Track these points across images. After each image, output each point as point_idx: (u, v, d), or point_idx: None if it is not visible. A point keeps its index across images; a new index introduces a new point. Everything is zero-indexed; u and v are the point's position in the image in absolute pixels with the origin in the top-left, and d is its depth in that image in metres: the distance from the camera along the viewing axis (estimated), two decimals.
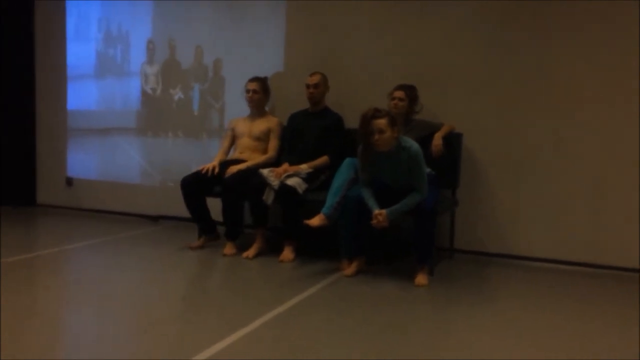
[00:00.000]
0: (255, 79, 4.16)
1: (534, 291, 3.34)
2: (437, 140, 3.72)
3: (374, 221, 3.20)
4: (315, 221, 3.41)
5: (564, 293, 3.29)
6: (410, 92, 3.83)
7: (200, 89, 4.95)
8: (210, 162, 4.05)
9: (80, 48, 5.32)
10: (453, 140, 3.82)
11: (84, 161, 5.35)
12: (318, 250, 3.91)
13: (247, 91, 4.14)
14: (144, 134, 5.18)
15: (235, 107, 4.60)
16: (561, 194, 3.79)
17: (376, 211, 3.21)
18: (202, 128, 4.96)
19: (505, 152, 3.92)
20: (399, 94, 3.79)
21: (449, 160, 3.77)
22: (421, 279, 3.28)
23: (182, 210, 4.10)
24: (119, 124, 5.24)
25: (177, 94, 5.04)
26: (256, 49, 4.60)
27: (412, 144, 3.23)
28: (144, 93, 5.14)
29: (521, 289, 3.39)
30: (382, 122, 3.12)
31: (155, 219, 4.95)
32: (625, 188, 3.64)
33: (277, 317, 2.68)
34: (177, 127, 5.05)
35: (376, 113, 3.13)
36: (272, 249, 3.86)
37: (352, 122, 3.98)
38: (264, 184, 3.73)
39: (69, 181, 5.31)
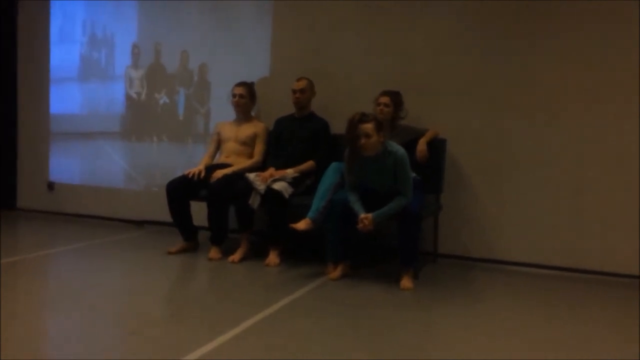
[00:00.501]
0: (241, 84, 4.17)
1: (516, 294, 3.39)
2: (422, 145, 3.77)
3: (360, 225, 3.23)
4: (301, 225, 3.43)
5: (545, 296, 3.35)
6: (395, 98, 3.88)
7: (185, 94, 4.95)
8: (195, 166, 4.04)
9: (64, 50, 5.29)
10: (437, 146, 3.87)
11: (67, 165, 5.30)
12: (303, 254, 3.92)
13: (234, 95, 4.15)
14: (128, 139, 5.14)
15: (221, 111, 4.61)
16: (544, 199, 3.86)
17: (362, 215, 3.24)
18: (187, 133, 4.95)
19: (489, 158, 3.98)
20: (384, 99, 3.84)
21: (433, 166, 3.82)
22: (406, 282, 3.31)
23: (167, 215, 4.08)
24: (103, 128, 5.20)
25: (162, 98, 5.03)
26: (242, 54, 4.63)
27: (398, 149, 3.27)
28: (128, 97, 5.12)
29: (504, 292, 3.44)
30: (368, 127, 3.15)
31: (139, 223, 4.91)
32: (607, 193, 3.72)
33: (264, 320, 2.69)
34: (162, 132, 5.04)
35: (363, 117, 3.17)
36: (257, 254, 3.86)
37: (337, 127, 4.03)
38: (250, 188, 3.74)
39: (51, 185, 5.26)
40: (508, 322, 2.84)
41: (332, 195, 3.48)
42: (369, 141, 3.17)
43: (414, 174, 3.41)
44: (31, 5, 5.23)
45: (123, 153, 5.17)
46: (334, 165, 3.61)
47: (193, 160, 4.42)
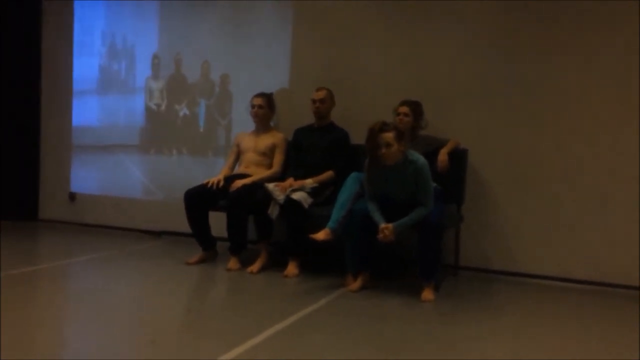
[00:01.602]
0: (260, 95, 4.18)
1: (541, 308, 3.31)
2: (443, 155, 3.72)
3: (380, 235, 3.18)
4: (321, 235, 3.39)
5: (570, 311, 3.26)
6: (415, 108, 3.84)
7: (206, 105, 4.89)
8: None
9: (84, 62, 5.28)
10: (458, 156, 3.82)
11: (88, 176, 5.31)
12: (322, 265, 3.88)
13: (253, 106, 4.16)
14: (147, 152, 5.09)
15: (243, 123, 4.51)
16: (568, 211, 3.78)
17: (382, 225, 3.20)
18: (208, 145, 4.87)
19: (511, 168, 3.91)
20: (404, 109, 3.81)
21: (454, 176, 3.77)
22: (427, 294, 3.25)
23: (185, 226, 4.07)
24: (122, 140, 5.16)
25: (183, 110, 4.98)
26: (263, 65, 4.60)
27: (419, 158, 3.23)
28: (148, 109, 5.09)
29: (528, 306, 3.36)
30: (389, 136, 3.12)
31: (158, 234, 4.92)
32: (635, 205, 3.62)
33: (283, 331, 2.65)
34: (182, 145, 4.96)
35: (383, 126, 3.14)
36: (276, 264, 3.83)
37: (357, 137, 4.00)
38: (269, 198, 3.72)
39: (72, 196, 5.30)
40: (532, 337, 2.77)
41: (351, 205, 3.44)
42: (389, 150, 3.13)
43: (434, 184, 3.36)
44: (55, 19, 5.30)
45: (142, 166, 5.11)
46: (353, 175, 3.58)
47: (214, 174, 4.24)
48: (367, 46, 4.28)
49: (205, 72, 4.87)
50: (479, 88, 3.98)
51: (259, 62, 4.63)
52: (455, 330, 2.86)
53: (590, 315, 3.20)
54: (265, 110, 4.16)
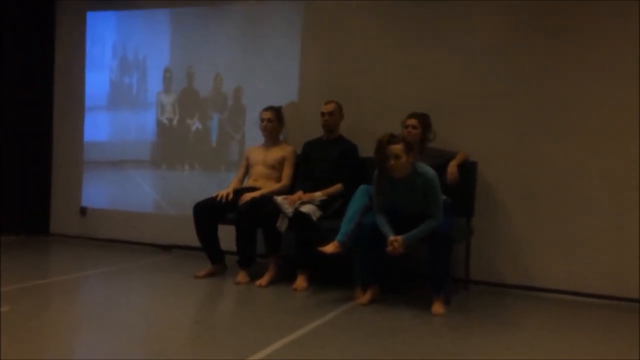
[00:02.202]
0: (269, 108, 4.20)
1: (554, 323, 3.25)
2: (452, 168, 3.70)
3: (390, 248, 3.16)
4: (330, 248, 3.37)
5: (585, 326, 3.20)
6: (423, 120, 3.83)
7: (219, 119, 4.84)
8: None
9: (95, 76, 5.25)
10: (468, 168, 3.80)
11: (99, 190, 5.32)
12: (331, 278, 3.85)
13: (262, 120, 4.18)
14: (158, 167, 5.02)
15: (256, 137, 4.43)
16: (582, 223, 3.73)
17: (391, 237, 3.17)
18: (220, 160, 4.81)
19: (522, 181, 3.88)
20: (412, 121, 3.80)
21: (464, 188, 3.74)
22: (438, 308, 3.21)
23: (195, 240, 4.07)
24: (134, 156, 5.10)
25: (195, 124, 4.92)
26: (274, 78, 4.59)
27: (428, 170, 3.22)
28: (159, 123, 5.06)
29: (541, 321, 3.30)
30: (397, 148, 3.12)
31: (167, 248, 4.93)
32: None
33: (292, 344, 2.62)
34: (194, 159, 4.90)
35: (392, 138, 3.13)
36: (285, 277, 3.81)
37: (366, 150, 4.00)
38: (277, 211, 3.72)
39: (83, 210, 5.33)
40: (547, 353, 2.71)
41: (360, 218, 3.43)
42: (398, 162, 3.12)
43: (444, 197, 3.34)
44: (68, 32, 5.35)
45: (153, 182, 5.03)
46: (362, 187, 3.57)
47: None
48: (376, 59, 4.29)
49: (217, 85, 4.82)
50: (488, 101, 3.97)
51: (270, 75, 4.62)
52: (468, 346, 2.82)
53: (606, 330, 3.13)
54: (275, 123, 4.17)
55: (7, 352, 2.35)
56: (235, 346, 2.61)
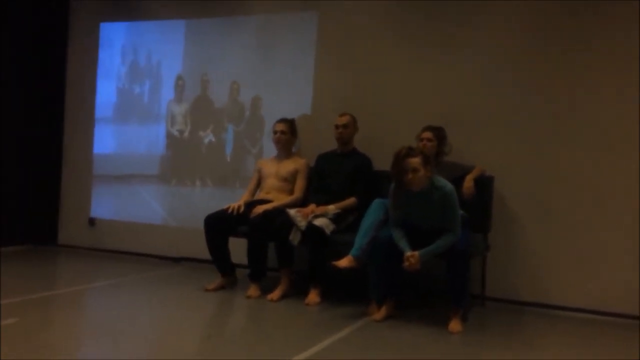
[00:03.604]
0: (283, 120, 4.15)
1: (574, 343, 3.17)
2: (469, 182, 3.64)
3: (406, 263, 3.10)
4: (344, 263, 3.31)
5: (604, 346, 3.12)
6: (439, 133, 3.79)
7: (234, 131, 4.53)
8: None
9: (103, 85, 5.09)
10: (484, 183, 3.74)
11: (107, 202, 5.25)
12: (343, 293, 3.78)
13: (275, 132, 4.13)
14: (168, 182, 4.73)
15: (274, 152, 4.19)
16: (601, 240, 3.66)
17: (408, 253, 3.11)
18: (235, 176, 4.50)
19: (539, 196, 3.82)
20: (427, 135, 3.75)
21: (480, 203, 3.68)
22: (455, 325, 3.13)
23: (204, 252, 4.01)
24: (141, 170, 4.82)
25: (208, 137, 4.61)
26: (291, 89, 4.49)
27: (446, 184, 3.16)
28: (169, 135, 4.85)
29: (560, 340, 3.23)
30: (415, 161, 3.06)
31: (176, 260, 4.87)
32: None
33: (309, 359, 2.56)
34: (206, 174, 4.60)
35: (409, 152, 3.08)
36: (296, 292, 3.74)
37: (380, 163, 3.95)
38: (290, 224, 3.66)
39: (92, 221, 5.28)
40: None
41: (375, 232, 3.37)
42: (415, 176, 3.07)
43: (461, 211, 3.27)
44: (81, 42, 5.33)
45: (162, 198, 4.74)
46: (377, 201, 3.52)
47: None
48: (390, 72, 4.25)
49: (234, 95, 4.52)
50: (505, 115, 3.92)
51: (284, 87, 4.51)
52: None
53: (628, 350, 3.04)
54: (288, 136, 4.13)
55: None
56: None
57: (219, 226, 3.88)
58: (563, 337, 3.28)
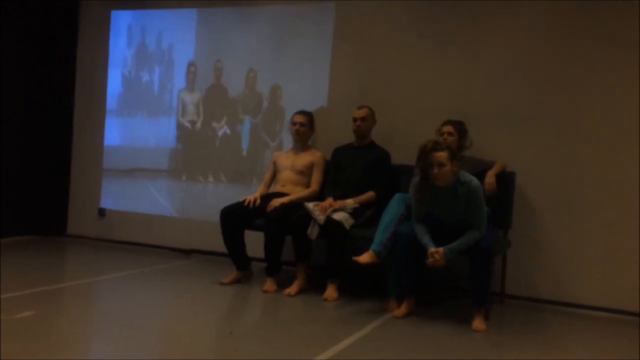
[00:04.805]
0: (302, 112, 4.08)
1: (598, 342, 3.14)
2: (490, 178, 3.58)
3: (430, 259, 3.04)
4: (365, 258, 3.26)
5: (626, 345, 3.07)
6: (460, 127, 3.72)
7: (251, 123, 4.28)
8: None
9: (111, 74, 4.92)
10: (506, 178, 3.68)
11: (118, 191, 5.12)
12: (361, 289, 3.73)
13: (294, 124, 4.05)
14: (178, 178, 4.47)
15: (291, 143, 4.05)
16: (621, 237, 3.59)
17: (432, 249, 3.05)
18: (251, 172, 4.27)
19: (560, 192, 3.75)
20: (448, 128, 3.69)
21: (501, 199, 3.61)
22: (478, 323, 3.08)
23: (215, 245, 3.95)
24: (149, 164, 4.56)
25: (222, 129, 4.36)
26: (302, 82, 4.40)
27: (472, 179, 3.10)
28: (180, 127, 4.65)
29: (583, 339, 3.20)
30: (442, 155, 3.00)
31: (188, 252, 4.80)
32: None
33: (335, 358, 2.51)
34: (219, 170, 4.35)
35: (436, 145, 3.02)
36: (313, 287, 3.68)
37: (397, 158, 3.89)
38: (308, 218, 3.60)
39: (102, 212, 5.21)
40: None
41: (396, 227, 3.31)
42: (442, 170, 3.00)
43: (486, 208, 3.21)
44: (93, 33, 5.23)
45: (172, 195, 4.49)
46: (397, 196, 3.46)
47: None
48: (409, 65, 4.17)
49: (250, 84, 4.25)
50: (527, 109, 3.85)
51: (303, 78, 4.36)
52: None
53: None
54: (307, 128, 4.05)
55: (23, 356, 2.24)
56: (278, 358, 2.50)
57: (235, 219, 3.82)
58: (588, 336, 3.25)
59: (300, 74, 4.44)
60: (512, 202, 3.72)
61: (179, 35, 4.52)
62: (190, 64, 4.51)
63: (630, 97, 3.61)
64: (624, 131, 3.63)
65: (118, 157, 4.94)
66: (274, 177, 4.15)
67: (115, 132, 5.01)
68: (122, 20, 5.03)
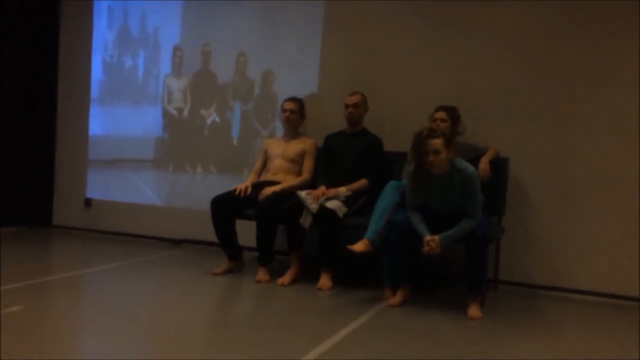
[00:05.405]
0: (292, 99, 4.01)
1: (593, 326, 3.15)
2: (484, 164, 3.55)
3: (426, 248, 3.01)
4: (359, 247, 3.23)
5: (619, 329, 3.10)
6: (452, 113, 3.67)
7: (242, 110, 4.15)
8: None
9: (94, 60, 4.73)
10: (499, 165, 3.66)
11: (104, 181, 5.05)
12: (354, 277, 3.70)
13: (284, 111, 3.98)
14: (164, 168, 4.32)
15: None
16: (616, 223, 3.60)
17: (428, 237, 3.02)
18: (242, 162, 4.13)
19: (554, 179, 3.74)
20: (441, 114, 3.64)
21: (495, 186, 3.59)
22: (474, 311, 3.07)
23: (205, 234, 3.88)
24: (133, 154, 4.40)
25: (211, 116, 4.19)
26: (291, 68, 4.30)
27: (468, 166, 3.07)
28: (166, 114, 4.50)
29: (578, 324, 3.21)
30: (437, 142, 2.96)
31: (177, 242, 4.74)
32: None
33: (333, 348, 2.49)
34: (208, 160, 4.21)
35: (431, 132, 2.98)
36: (306, 276, 3.64)
37: (389, 144, 3.85)
38: (300, 206, 3.55)
39: (88, 202, 5.11)
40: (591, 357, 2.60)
41: (390, 215, 3.28)
42: (437, 158, 2.97)
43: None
44: (76, 19, 5.09)
45: (158, 187, 4.33)
46: (391, 183, 3.43)
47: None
48: (401, 51, 4.12)
49: (241, 69, 4.10)
50: (521, 97, 3.82)
51: (294, 63, 4.26)
52: (511, 351, 2.69)
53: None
54: (297, 115, 3.99)
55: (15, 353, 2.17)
56: (272, 349, 2.47)
57: (226, 209, 3.76)
58: (582, 320, 3.26)
59: (291, 59, 4.32)
60: (505, 188, 3.71)
61: (164, 17, 4.32)
62: (177, 48, 4.34)
63: (626, 82, 3.60)
64: (619, 117, 3.62)
65: (102, 147, 4.80)
66: (264, 165, 4.09)
67: (98, 121, 4.86)
68: (102, 1, 4.81)
